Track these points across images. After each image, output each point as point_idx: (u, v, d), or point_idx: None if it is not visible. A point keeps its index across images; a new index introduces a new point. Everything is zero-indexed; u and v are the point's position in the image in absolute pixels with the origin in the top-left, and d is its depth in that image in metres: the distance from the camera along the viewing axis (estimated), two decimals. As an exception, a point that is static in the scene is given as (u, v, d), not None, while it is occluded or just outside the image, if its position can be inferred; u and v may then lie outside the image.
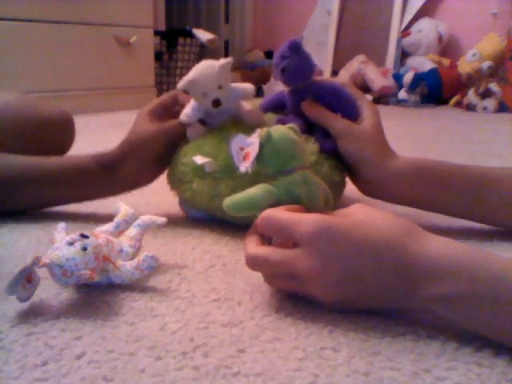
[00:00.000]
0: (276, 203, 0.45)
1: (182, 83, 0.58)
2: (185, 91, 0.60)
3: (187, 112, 0.61)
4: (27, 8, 1.76)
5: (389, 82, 2.44)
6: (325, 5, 3.02)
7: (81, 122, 1.08)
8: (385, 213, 0.42)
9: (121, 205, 0.55)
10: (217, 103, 0.58)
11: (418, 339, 0.38)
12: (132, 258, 0.47)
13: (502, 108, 2.16)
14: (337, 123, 0.59)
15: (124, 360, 0.35)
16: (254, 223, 0.44)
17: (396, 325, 0.40)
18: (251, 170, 0.45)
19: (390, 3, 2.73)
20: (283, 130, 0.47)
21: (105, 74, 2.05)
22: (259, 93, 2.47)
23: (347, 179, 0.64)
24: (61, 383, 0.32)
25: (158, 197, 0.76)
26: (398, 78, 2.45)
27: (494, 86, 2.14)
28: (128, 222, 0.52)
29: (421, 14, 2.69)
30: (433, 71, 2.41)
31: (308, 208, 0.45)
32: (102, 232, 0.49)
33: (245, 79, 2.57)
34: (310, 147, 0.59)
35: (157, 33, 2.31)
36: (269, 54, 3.09)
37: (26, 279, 0.40)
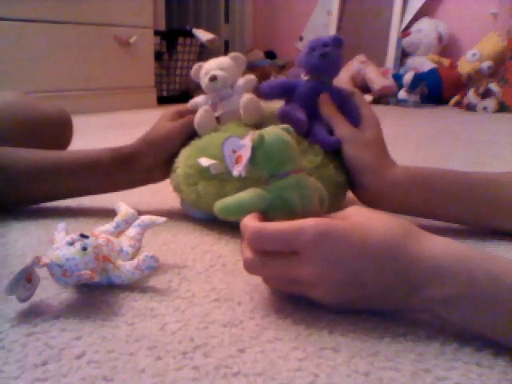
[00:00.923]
0: (268, 208, 0.44)
1: (193, 68, 0.66)
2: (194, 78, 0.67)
3: (195, 99, 0.66)
4: (27, 8, 1.76)
5: (389, 81, 2.44)
6: (325, 5, 3.02)
7: (80, 122, 1.08)
8: (382, 214, 0.42)
9: (121, 205, 0.55)
10: (212, 78, 0.62)
11: (418, 339, 0.38)
12: (132, 258, 0.47)
13: (502, 108, 2.16)
14: (344, 127, 0.60)
15: (124, 360, 0.35)
16: None
17: (396, 325, 0.40)
18: (244, 174, 0.44)
19: (390, 3, 2.73)
20: (276, 133, 0.45)
21: (105, 74, 2.05)
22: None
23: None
24: (61, 383, 0.32)
25: (158, 197, 0.76)
26: (398, 77, 2.45)
27: (493, 86, 2.14)
28: (128, 222, 0.52)
29: (421, 14, 2.70)
30: (433, 71, 2.41)
31: (302, 212, 0.44)
32: (102, 232, 0.49)
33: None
34: (315, 148, 0.60)
35: (157, 33, 2.31)
36: (269, 54, 3.10)
37: (26, 279, 0.40)
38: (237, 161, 0.45)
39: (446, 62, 2.56)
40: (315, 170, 0.57)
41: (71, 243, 0.42)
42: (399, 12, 2.70)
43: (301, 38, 3.16)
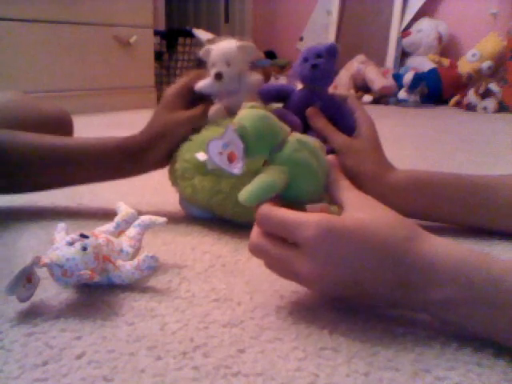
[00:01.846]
0: (292, 180, 0.43)
1: (202, 49, 0.63)
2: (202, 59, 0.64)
3: (202, 84, 0.64)
4: (27, 8, 1.76)
5: (389, 81, 2.44)
6: (325, 5, 3.02)
7: (80, 122, 1.08)
8: (386, 210, 0.41)
9: (121, 205, 0.55)
10: (218, 77, 0.61)
11: (418, 339, 0.38)
12: (132, 258, 0.47)
13: (501, 108, 2.16)
14: (337, 138, 0.61)
15: (124, 360, 0.35)
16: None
17: (396, 325, 0.40)
18: (244, 168, 0.43)
19: (390, 3, 2.73)
20: (251, 113, 0.44)
21: (105, 74, 2.04)
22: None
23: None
24: (61, 383, 0.32)
25: (158, 197, 0.76)
26: (398, 77, 2.45)
27: (493, 86, 2.14)
28: (128, 222, 0.52)
29: (421, 13, 2.70)
30: (433, 71, 2.42)
31: (320, 168, 0.44)
32: (102, 232, 0.49)
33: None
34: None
35: (157, 33, 2.31)
36: (269, 54, 3.09)
37: (26, 279, 0.40)
38: (230, 160, 0.44)
39: (446, 61, 2.56)
40: None
41: (71, 243, 0.42)
42: (399, 12, 2.70)
43: (301, 38, 3.16)
